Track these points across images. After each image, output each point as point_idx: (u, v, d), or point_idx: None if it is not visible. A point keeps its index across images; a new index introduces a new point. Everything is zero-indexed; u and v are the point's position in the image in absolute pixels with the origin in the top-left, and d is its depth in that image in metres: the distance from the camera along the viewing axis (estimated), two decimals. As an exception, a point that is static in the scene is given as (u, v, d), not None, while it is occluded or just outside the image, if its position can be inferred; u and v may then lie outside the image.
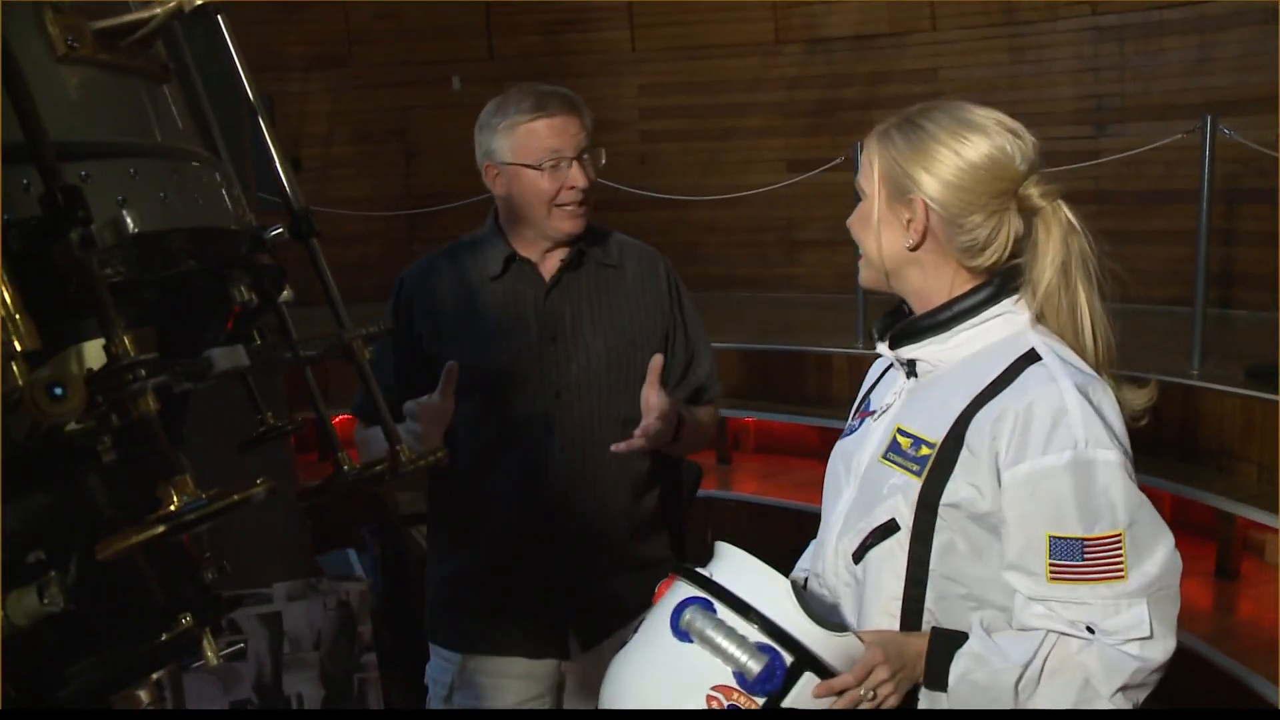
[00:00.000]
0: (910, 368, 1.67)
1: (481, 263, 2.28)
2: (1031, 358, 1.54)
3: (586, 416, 2.24)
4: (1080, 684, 1.47)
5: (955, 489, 1.53)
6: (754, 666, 1.40)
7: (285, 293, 1.22)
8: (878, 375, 1.84)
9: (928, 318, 1.62)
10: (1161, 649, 1.48)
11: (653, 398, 2.10)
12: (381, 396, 1.20)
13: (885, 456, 1.63)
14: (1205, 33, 6.71)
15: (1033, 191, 1.56)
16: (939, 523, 1.54)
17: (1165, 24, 6.89)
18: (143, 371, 0.79)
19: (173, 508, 0.78)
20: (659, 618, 1.50)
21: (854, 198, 1.69)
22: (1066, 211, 1.56)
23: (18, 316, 0.76)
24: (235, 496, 0.80)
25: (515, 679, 2.30)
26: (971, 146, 1.54)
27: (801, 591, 1.49)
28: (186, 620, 0.99)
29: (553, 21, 8.84)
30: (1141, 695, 1.50)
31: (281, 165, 1.17)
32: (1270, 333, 4.86)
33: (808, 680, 1.42)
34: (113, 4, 0.98)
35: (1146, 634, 1.47)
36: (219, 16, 1.12)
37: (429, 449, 1.26)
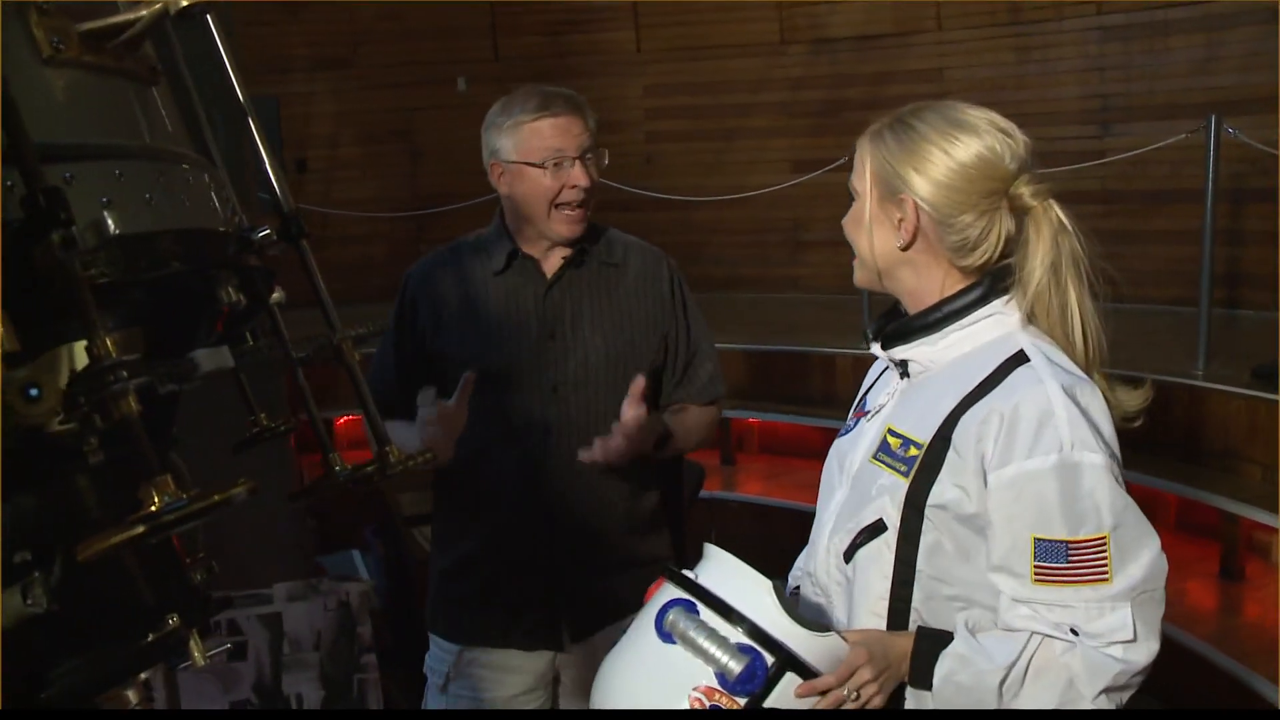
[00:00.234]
0: (903, 368, 1.67)
1: (485, 259, 2.32)
2: (1020, 359, 1.54)
3: (583, 412, 2.27)
4: (1064, 686, 1.47)
5: (942, 490, 1.53)
6: (735, 667, 1.41)
7: (276, 294, 1.22)
8: (876, 375, 1.84)
9: (919, 318, 1.62)
10: (1145, 652, 1.48)
11: (627, 413, 2.13)
12: (371, 398, 1.21)
13: (875, 457, 1.64)
14: (1211, 32, 6.69)
15: (1024, 191, 1.55)
16: (926, 524, 1.54)
17: (1170, 23, 6.88)
18: (124, 373, 0.79)
19: (153, 508, 0.78)
20: (646, 619, 1.51)
21: (849, 198, 1.69)
22: (1058, 211, 1.55)
23: (-3, 319, 0.76)
24: (215, 497, 0.80)
25: (510, 672, 2.33)
26: (962, 146, 1.54)
27: (784, 593, 1.50)
28: (173, 621, 0.99)
29: (557, 22, 8.85)
30: (1125, 696, 1.51)
31: (271, 166, 1.17)
32: (1275, 333, 4.84)
33: (790, 681, 1.43)
34: (101, 5, 0.99)
35: (1130, 637, 1.47)
36: (208, 17, 1.12)
37: (421, 450, 1.26)
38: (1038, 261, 1.54)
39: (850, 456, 1.71)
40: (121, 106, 1.00)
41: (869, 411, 1.74)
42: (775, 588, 1.48)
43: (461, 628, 2.36)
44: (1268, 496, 4.30)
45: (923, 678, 1.52)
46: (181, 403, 1.59)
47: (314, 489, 1.31)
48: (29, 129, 0.85)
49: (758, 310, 7.81)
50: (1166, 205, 6.73)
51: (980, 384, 1.54)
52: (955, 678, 1.49)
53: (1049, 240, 1.54)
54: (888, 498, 1.58)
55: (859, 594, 1.61)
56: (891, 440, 1.62)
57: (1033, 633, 1.49)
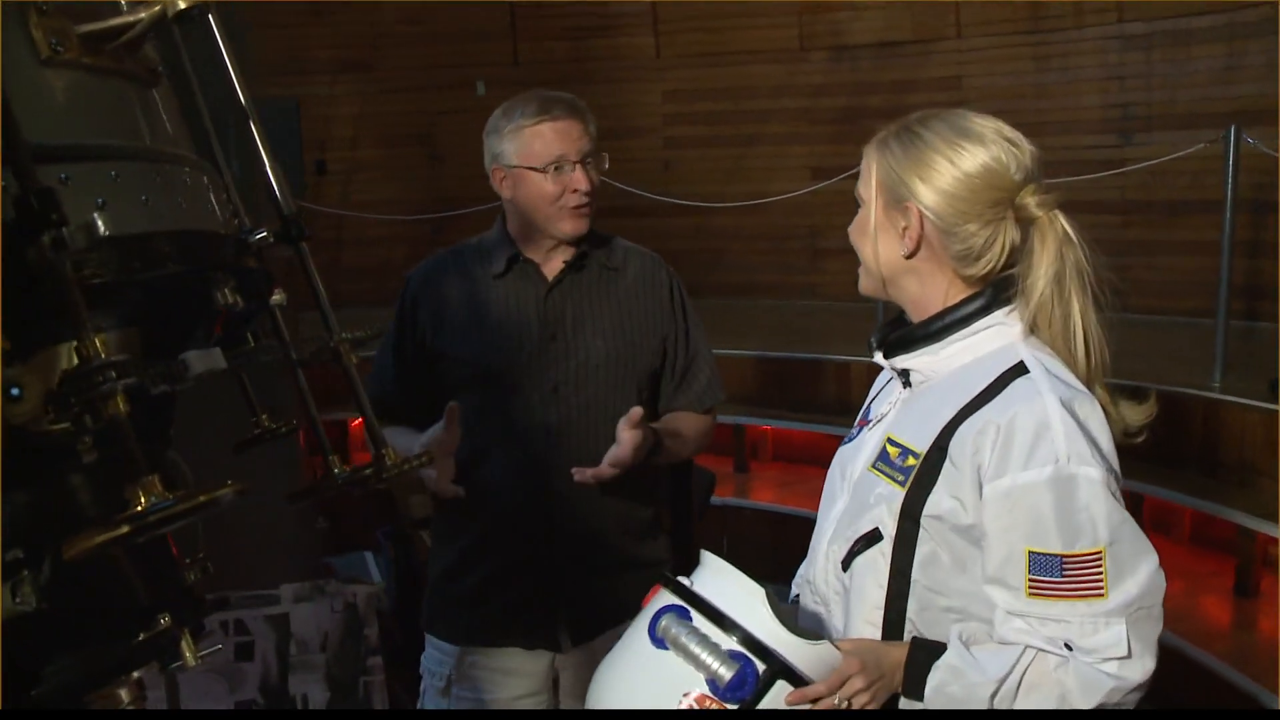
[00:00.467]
0: (905, 377, 1.67)
1: (486, 263, 2.34)
2: (1019, 370, 1.53)
3: (582, 414, 2.28)
4: (1056, 701, 1.46)
5: (938, 500, 1.53)
6: (725, 673, 1.41)
7: (277, 295, 1.23)
8: (882, 384, 1.84)
9: (921, 328, 1.62)
10: (1140, 669, 1.47)
11: (623, 437, 2.14)
12: (369, 401, 1.21)
13: (874, 466, 1.63)
14: (1234, 40, 6.65)
15: (1029, 201, 1.54)
16: (922, 534, 1.54)
17: (1193, 32, 6.84)
18: (113, 373, 0.80)
19: (139, 508, 0.79)
20: (640, 625, 1.52)
21: (855, 205, 1.69)
22: (1063, 222, 1.54)
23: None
24: (202, 498, 0.80)
25: (512, 674, 2.34)
26: (967, 156, 1.54)
27: (778, 601, 1.49)
28: (165, 621, 0.99)
29: (577, 27, 8.87)
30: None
31: (272, 168, 1.18)
32: (1294, 346, 4.81)
33: (781, 689, 1.43)
34: (101, 6, 0.99)
35: (1124, 654, 1.45)
36: (210, 19, 1.13)
37: (418, 454, 1.26)
38: (1041, 272, 1.53)
39: (851, 465, 1.71)
40: (120, 108, 1.00)
41: (872, 420, 1.74)
42: (769, 596, 1.48)
43: (460, 629, 2.37)
44: (1284, 511, 4.27)
45: (915, 688, 1.51)
46: (191, 403, 1.61)
47: (312, 490, 1.32)
48: (26, 129, 0.86)
49: (775, 317, 7.80)
50: (1186, 216, 6.68)
51: (979, 395, 1.54)
52: (947, 689, 1.49)
53: (1054, 251, 1.54)
54: (884, 507, 1.57)
55: (855, 603, 1.61)
56: (890, 449, 1.62)
57: (1026, 646, 1.48)
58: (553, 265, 2.32)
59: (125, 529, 0.77)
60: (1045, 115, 7.27)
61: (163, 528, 0.79)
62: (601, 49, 8.84)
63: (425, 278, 2.39)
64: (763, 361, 6.57)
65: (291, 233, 1.17)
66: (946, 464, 1.52)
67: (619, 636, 1.54)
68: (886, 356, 1.67)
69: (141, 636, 0.98)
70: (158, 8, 0.97)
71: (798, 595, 1.81)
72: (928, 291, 1.62)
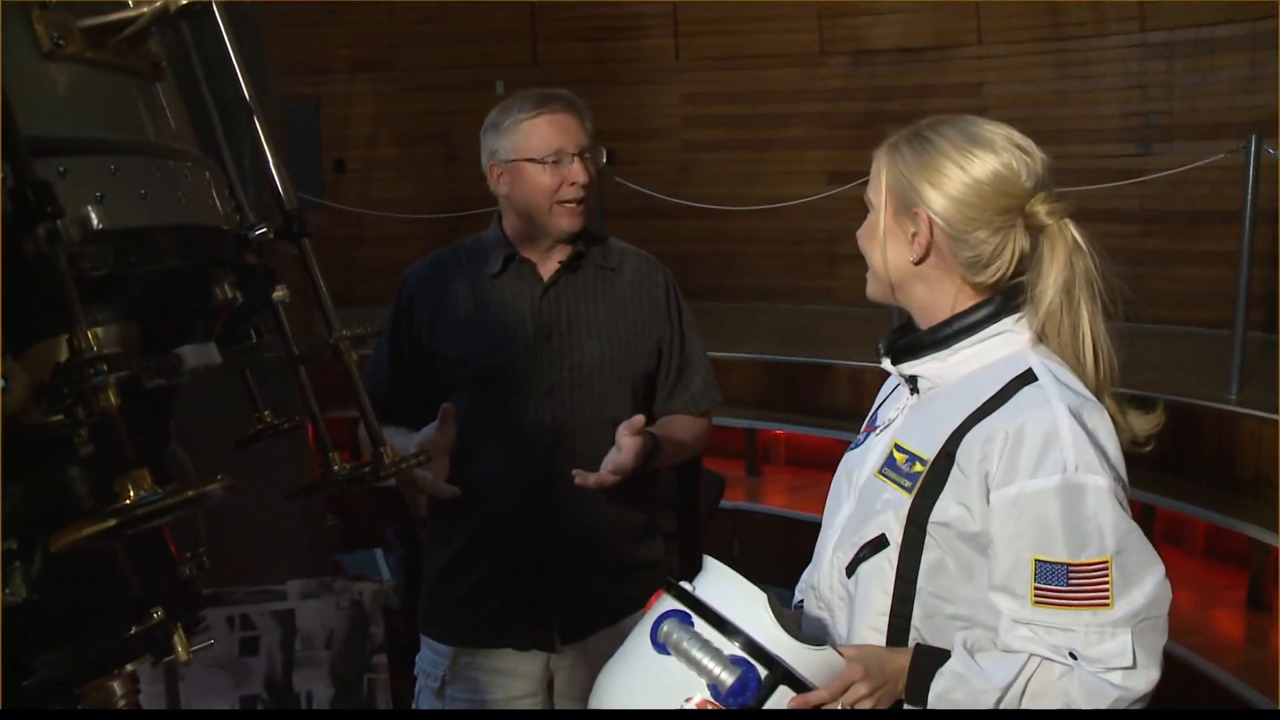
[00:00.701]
0: (912, 384, 1.66)
1: (482, 261, 2.34)
2: (1028, 378, 1.52)
3: (577, 413, 2.28)
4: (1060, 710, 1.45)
5: (945, 507, 1.52)
6: (727, 679, 1.41)
7: (279, 291, 1.23)
8: (889, 390, 1.83)
9: (930, 334, 1.61)
10: (1145, 679, 1.46)
11: (624, 440, 2.13)
12: (368, 399, 1.21)
13: (881, 472, 1.63)
14: (1257, 50, 6.59)
15: (1039, 209, 1.54)
16: (928, 540, 1.53)
17: (1216, 41, 6.79)
18: (104, 366, 0.80)
19: (128, 501, 0.79)
20: (642, 630, 1.51)
21: (865, 210, 1.68)
22: (1073, 230, 1.53)
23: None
24: (190, 493, 0.80)
25: (507, 675, 2.33)
26: (978, 162, 1.53)
27: (781, 607, 1.49)
28: (158, 615, 0.99)
29: (597, 28, 8.87)
30: None
31: (275, 164, 1.18)
32: (1314, 358, 4.77)
33: (782, 694, 1.42)
34: (105, 2, 0.99)
35: (1129, 664, 1.45)
36: (216, 14, 1.13)
37: (416, 452, 1.26)
38: (1051, 280, 1.52)
39: (858, 471, 1.70)
40: (122, 102, 1.00)
41: (879, 426, 1.73)
42: (772, 601, 1.47)
43: (455, 630, 2.37)
44: (1300, 525, 4.23)
45: (918, 695, 1.51)
46: (203, 399, 1.61)
47: (313, 488, 1.32)
48: (26, 122, 0.86)
49: (790, 321, 7.79)
50: (1207, 226, 6.63)
51: (987, 402, 1.53)
52: (951, 696, 1.48)
53: (1063, 259, 1.53)
54: (891, 513, 1.57)
55: (859, 609, 1.60)
56: (897, 455, 1.61)
57: (1031, 654, 1.47)
58: (549, 265, 2.32)
59: (112, 522, 0.77)
60: (1065, 123, 7.23)
61: (151, 521, 0.79)
62: (621, 50, 8.84)
63: (421, 276, 2.39)
64: (776, 365, 6.56)
65: (293, 229, 1.17)
66: (954, 471, 1.52)
67: (614, 637, 1.54)
68: (894, 362, 1.67)
69: (134, 630, 0.98)
70: (160, 2, 0.97)
71: (802, 600, 1.81)
72: (936, 298, 1.62)
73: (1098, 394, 1.55)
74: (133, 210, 0.93)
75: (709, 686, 1.42)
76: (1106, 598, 1.44)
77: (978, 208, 1.53)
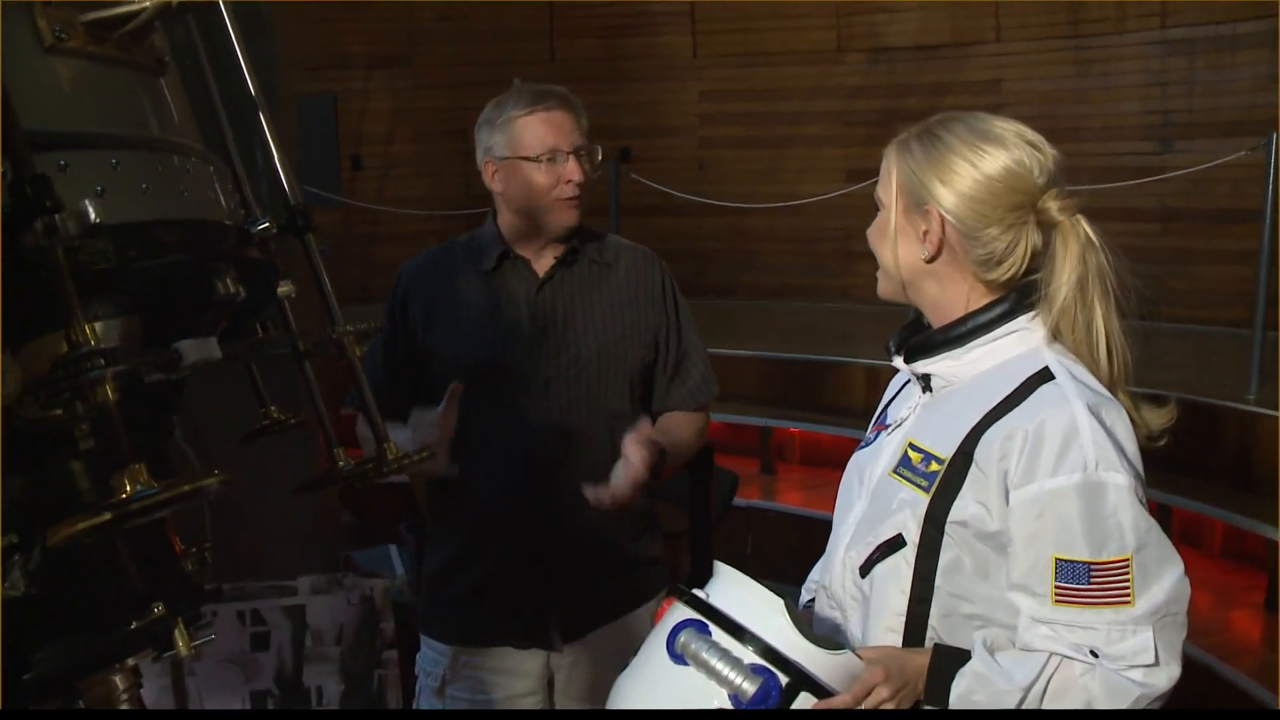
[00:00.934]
0: (925, 382, 1.65)
1: (477, 258, 2.33)
2: (1045, 376, 1.51)
3: (574, 409, 2.27)
4: (1082, 708, 1.45)
5: (963, 506, 1.51)
6: (749, 688, 1.39)
7: (284, 287, 1.23)
8: (897, 388, 1.82)
9: (943, 332, 1.60)
10: (1166, 676, 1.45)
11: (632, 452, 2.10)
12: (371, 393, 1.21)
13: (896, 471, 1.61)
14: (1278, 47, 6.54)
15: (1051, 205, 1.52)
16: (945, 540, 1.52)
17: (1237, 38, 6.73)
18: (101, 360, 0.80)
19: (124, 496, 0.79)
20: (656, 641, 1.49)
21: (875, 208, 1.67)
22: (1085, 226, 1.52)
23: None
24: (185, 487, 0.80)
25: (507, 674, 2.33)
26: (989, 159, 1.52)
27: (797, 610, 1.47)
28: (159, 609, 0.99)
29: (614, 25, 8.86)
30: None
31: (280, 159, 1.18)
32: (1334, 358, 4.72)
33: (804, 701, 1.40)
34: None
35: (1151, 660, 1.44)
36: (223, 10, 1.13)
37: (419, 448, 1.26)
38: (1064, 277, 1.51)
39: (870, 470, 1.69)
40: (124, 97, 1.01)
41: (890, 425, 1.72)
42: (788, 606, 1.45)
43: (454, 629, 2.36)
44: (1320, 526, 4.18)
45: (939, 696, 1.50)
46: (209, 394, 1.61)
47: (317, 483, 1.32)
48: (28, 116, 0.86)
49: (806, 319, 7.77)
50: (1227, 224, 6.58)
51: (1004, 400, 1.52)
52: (973, 697, 1.47)
53: (1076, 256, 1.51)
54: (908, 512, 1.55)
55: (875, 609, 1.59)
56: (913, 455, 1.60)
57: (1052, 653, 1.46)
58: (544, 261, 2.31)
59: (107, 516, 0.77)
60: (1084, 121, 7.18)
61: (146, 516, 0.79)
62: (638, 48, 8.83)
63: (416, 273, 2.39)
64: (792, 363, 6.54)
65: (297, 223, 1.17)
66: (973, 469, 1.51)
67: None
68: (907, 360, 1.65)
69: (134, 624, 0.98)
70: (161, -3, 0.97)
71: (810, 600, 1.79)
72: (948, 296, 1.60)
73: (1112, 390, 1.54)
74: (134, 205, 0.93)
75: (730, 696, 1.40)
76: (1128, 595, 1.44)
77: (989, 204, 1.52)
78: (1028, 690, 1.45)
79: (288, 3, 4.05)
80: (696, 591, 1.52)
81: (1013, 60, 7.68)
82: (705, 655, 1.42)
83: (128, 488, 0.80)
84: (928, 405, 1.65)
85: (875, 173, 1.67)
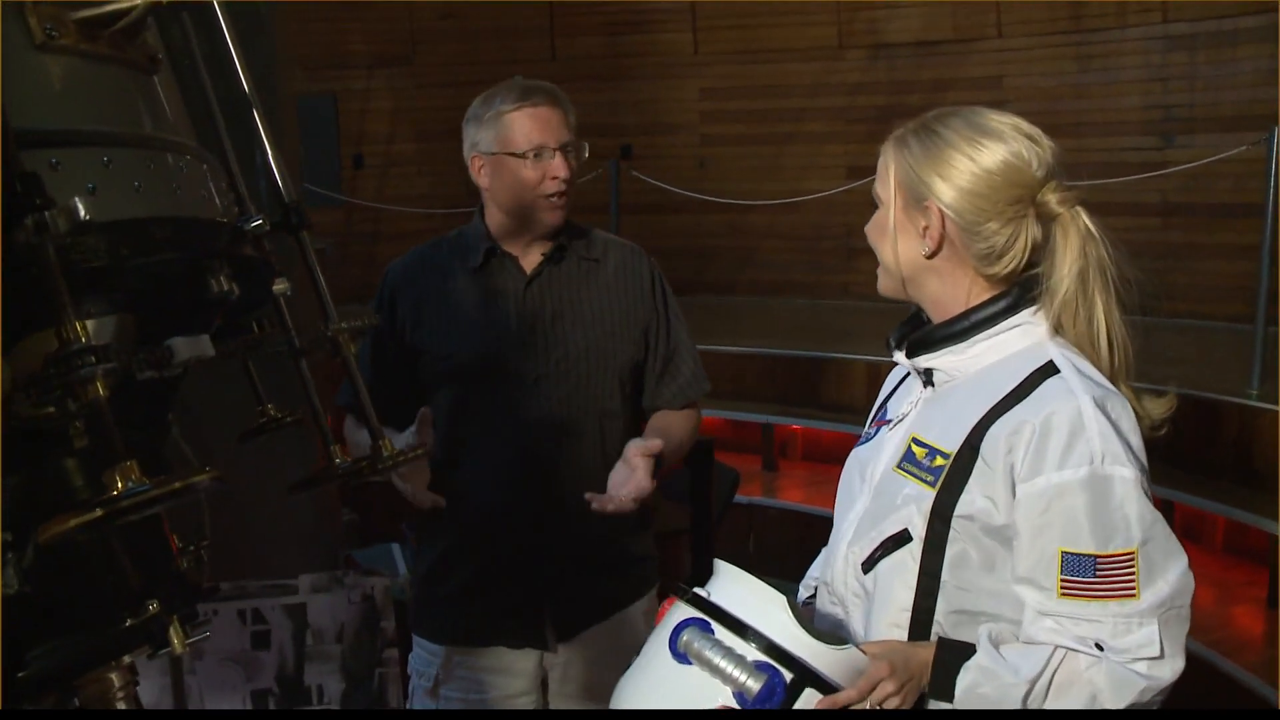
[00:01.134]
0: (927, 377, 1.64)
1: (464, 255, 2.32)
2: (1049, 370, 1.51)
3: (564, 405, 2.27)
4: (1087, 701, 1.45)
5: (970, 500, 1.51)
6: (753, 685, 1.38)
7: (280, 284, 1.22)
8: (895, 383, 1.82)
9: (945, 327, 1.59)
10: (1170, 669, 1.46)
11: (636, 462, 2.11)
12: (365, 391, 1.20)
13: (900, 466, 1.61)
14: (1280, 42, 6.53)
15: (1051, 198, 1.52)
16: (952, 534, 1.52)
17: (1239, 32, 6.73)
18: (92, 358, 0.80)
19: (115, 493, 0.79)
20: (659, 640, 1.48)
21: (873, 204, 1.67)
22: (1085, 218, 1.52)
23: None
24: (177, 484, 0.80)
25: (501, 674, 2.32)
26: (987, 152, 1.51)
27: (799, 606, 1.47)
28: (154, 607, 0.99)
29: (615, 23, 8.87)
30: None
31: (274, 157, 1.18)
32: (1336, 353, 4.72)
33: (809, 697, 1.40)
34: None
35: (1156, 654, 1.44)
36: (216, 7, 1.13)
37: (413, 447, 1.26)
38: (1065, 270, 1.51)
39: (872, 466, 1.68)
40: (117, 94, 1.00)
41: (890, 420, 1.71)
42: (790, 602, 1.45)
43: (446, 629, 2.36)
44: (1322, 521, 4.18)
45: (944, 690, 1.49)
46: (207, 392, 1.61)
47: (313, 481, 1.32)
48: (19, 114, 0.86)
49: (808, 316, 7.77)
50: (1229, 219, 6.58)
51: (1009, 394, 1.52)
52: (978, 690, 1.47)
53: (1077, 248, 1.51)
54: (914, 507, 1.55)
55: (880, 605, 1.59)
56: (916, 450, 1.60)
57: (1057, 646, 1.46)
58: (531, 258, 2.30)
59: (98, 513, 0.77)
60: (1086, 116, 7.18)
61: (137, 513, 0.79)
62: (639, 45, 8.84)
63: (403, 271, 2.37)
64: (794, 360, 6.54)
65: (291, 221, 1.17)
66: (979, 463, 1.50)
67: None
68: (909, 355, 1.65)
69: (129, 622, 0.98)
70: (152, -6, 0.97)
71: (811, 596, 1.79)
72: (949, 291, 1.60)
73: (1113, 382, 1.54)
74: (126, 202, 0.93)
75: (735, 694, 1.39)
76: (1133, 588, 1.44)
77: (989, 198, 1.52)
78: (1033, 683, 1.45)
79: (288, 2, 4.05)
80: (698, 590, 1.51)
81: (1014, 56, 7.68)
82: (709, 654, 1.41)
83: (119, 484, 0.80)
84: (930, 400, 1.64)
85: (876, 169, 1.66)
